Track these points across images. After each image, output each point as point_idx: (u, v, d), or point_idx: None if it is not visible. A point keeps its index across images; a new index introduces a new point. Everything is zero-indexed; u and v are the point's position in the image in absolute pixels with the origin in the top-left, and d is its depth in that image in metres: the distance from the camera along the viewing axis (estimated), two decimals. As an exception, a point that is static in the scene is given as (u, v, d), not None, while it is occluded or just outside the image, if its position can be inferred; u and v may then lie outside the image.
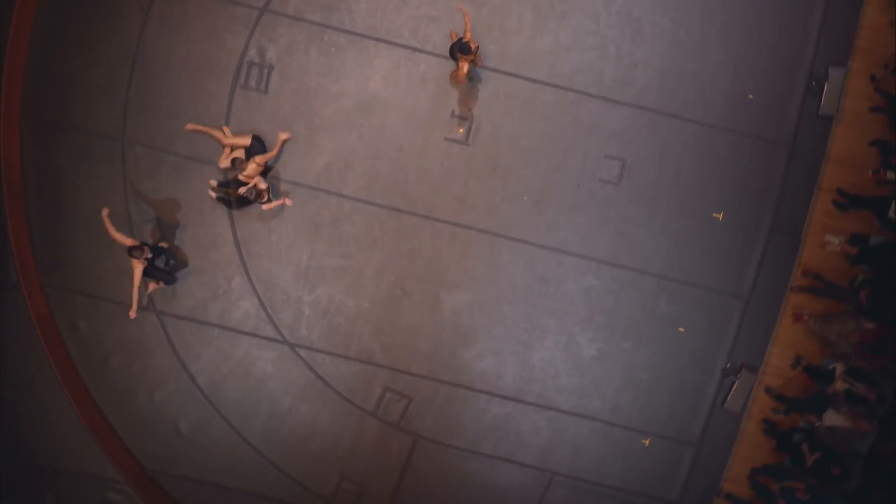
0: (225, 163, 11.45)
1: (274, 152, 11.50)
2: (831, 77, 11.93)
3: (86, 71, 11.80)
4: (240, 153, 11.47)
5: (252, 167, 11.16)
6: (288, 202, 11.46)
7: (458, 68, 11.30)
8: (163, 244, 11.41)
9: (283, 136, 11.51)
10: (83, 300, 11.91)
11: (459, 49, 10.95)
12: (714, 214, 12.20)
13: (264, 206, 11.42)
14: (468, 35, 10.89)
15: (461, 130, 12.06)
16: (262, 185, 11.18)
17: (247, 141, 11.46)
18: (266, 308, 12.07)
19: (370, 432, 12.34)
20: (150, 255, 10.80)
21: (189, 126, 11.60)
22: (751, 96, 12.11)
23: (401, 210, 12.13)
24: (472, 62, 11.13)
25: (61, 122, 11.77)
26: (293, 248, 12.03)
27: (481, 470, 12.43)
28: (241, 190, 11.15)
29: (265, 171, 11.36)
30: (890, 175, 11.47)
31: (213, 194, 11.53)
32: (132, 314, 10.98)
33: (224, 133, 11.52)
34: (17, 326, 11.82)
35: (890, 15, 11.67)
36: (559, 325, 12.34)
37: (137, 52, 11.70)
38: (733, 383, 12.13)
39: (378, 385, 12.32)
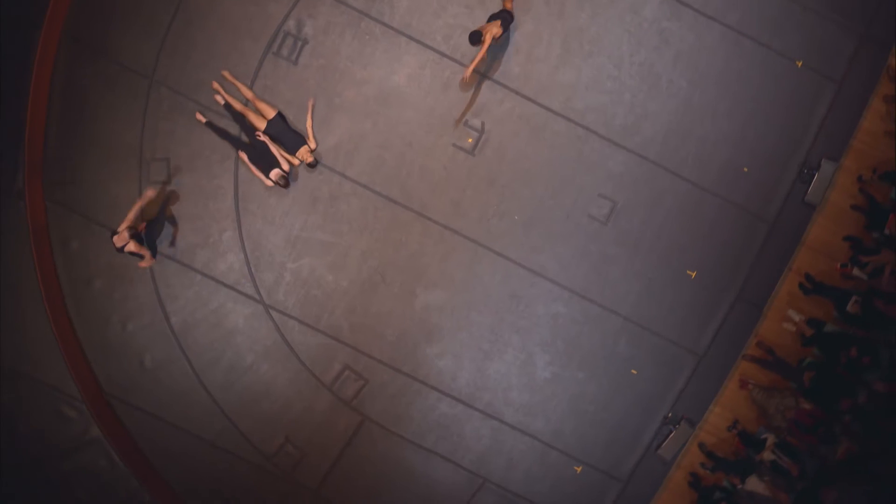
0: (259, 122, 11.76)
1: (310, 122, 11.96)
2: (823, 169, 12.25)
3: (131, 5, 11.98)
4: (262, 123, 11.78)
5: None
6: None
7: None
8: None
9: (310, 101, 11.90)
10: (80, 220, 12.14)
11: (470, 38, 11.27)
12: (688, 271, 12.51)
13: (267, 183, 11.87)
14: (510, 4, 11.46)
15: (470, 140, 12.31)
16: (286, 167, 11.76)
17: (272, 112, 11.77)
18: (250, 266, 12.37)
19: (322, 404, 12.65)
20: (130, 247, 11.09)
21: (225, 72, 11.90)
22: (746, 170, 12.39)
23: (397, 202, 12.41)
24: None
25: (98, 48, 11.94)
26: (288, 215, 12.31)
27: (418, 462, 12.81)
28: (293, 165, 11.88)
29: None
30: (856, 272, 11.78)
31: (203, 119, 11.88)
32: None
33: (253, 94, 11.87)
34: (14, 232, 12.07)
35: (888, 124, 12.05)
36: (521, 343, 12.67)
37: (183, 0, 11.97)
38: (671, 432, 12.50)
39: (339, 361, 12.63)
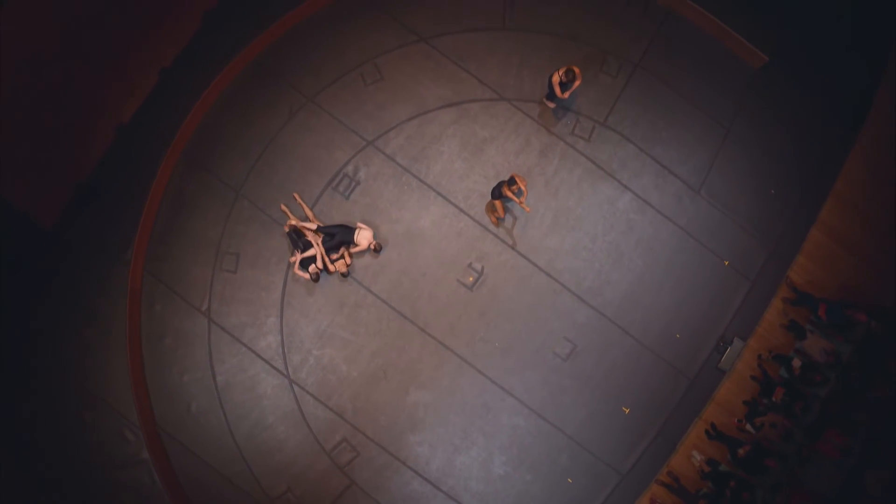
0: (311, 234, 14.45)
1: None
2: (734, 345, 14.78)
3: (237, 134, 15.05)
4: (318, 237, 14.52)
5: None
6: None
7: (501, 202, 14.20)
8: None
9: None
10: (165, 290, 14.71)
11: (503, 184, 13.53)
12: (623, 408, 14.82)
13: (304, 277, 14.62)
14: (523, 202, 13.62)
15: (471, 279, 14.82)
16: (320, 266, 14.70)
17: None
18: (284, 347, 14.65)
19: (320, 465, 14.41)
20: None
21: (295, 195, 14.82)
22: (678, 336, 14.98)
23: (406, 317, 14.77)
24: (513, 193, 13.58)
25: (203, 165, 14.98)
26: (320, 312, 14.72)
27: (389, 526, 14.54)
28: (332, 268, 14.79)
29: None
30: (748, 427, 14.22)
31: (287, 228, 14.60)
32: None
33: (313, 215, 14.82)
34: (116, 290, 14.56)
35: (783, 319, 14.79)
36: (485, 443, 14.61)
37: (275, 137, 15.06)
38: (592, 532, 14.38)
39: (339, 434, 14.51)
